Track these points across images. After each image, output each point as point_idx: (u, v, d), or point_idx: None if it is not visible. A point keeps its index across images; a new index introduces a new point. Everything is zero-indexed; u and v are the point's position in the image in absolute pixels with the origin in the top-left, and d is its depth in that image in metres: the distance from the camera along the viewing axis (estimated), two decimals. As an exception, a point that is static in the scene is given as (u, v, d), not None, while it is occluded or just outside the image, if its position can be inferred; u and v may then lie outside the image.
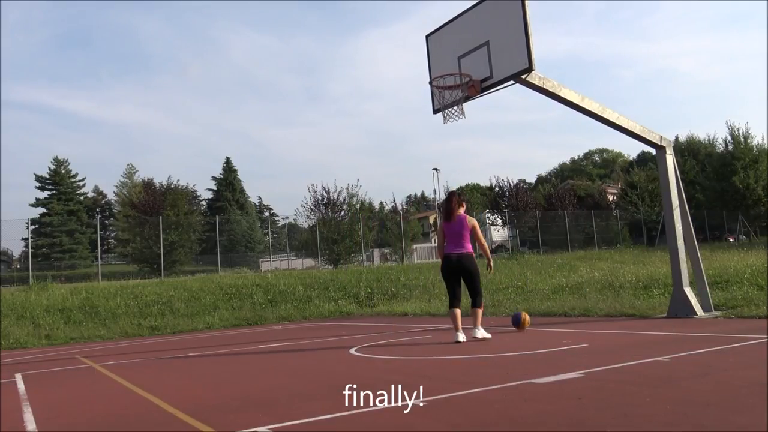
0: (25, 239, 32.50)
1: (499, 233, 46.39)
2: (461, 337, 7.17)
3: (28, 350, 12.10)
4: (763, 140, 42.76)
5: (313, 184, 32.92)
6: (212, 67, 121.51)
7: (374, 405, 3.94)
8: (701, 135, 60.36)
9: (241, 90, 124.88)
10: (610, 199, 52.74)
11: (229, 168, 67.38)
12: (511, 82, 7.85)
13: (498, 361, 5.65)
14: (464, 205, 7.58)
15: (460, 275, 7.37)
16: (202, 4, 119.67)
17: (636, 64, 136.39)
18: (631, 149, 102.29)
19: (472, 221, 7.43)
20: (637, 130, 8.75)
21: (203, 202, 58.97)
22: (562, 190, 47.93)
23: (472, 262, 7.41)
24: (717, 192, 40.64)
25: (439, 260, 7.60)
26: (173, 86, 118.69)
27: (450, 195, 7.59)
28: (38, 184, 58.59)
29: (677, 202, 8.94)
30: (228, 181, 66.41)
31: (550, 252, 33.99)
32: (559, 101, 8.12)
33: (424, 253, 42.67)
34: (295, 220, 38.97)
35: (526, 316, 8.31)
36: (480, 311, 7.43)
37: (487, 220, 41.79)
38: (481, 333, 7.29)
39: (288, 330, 12.17)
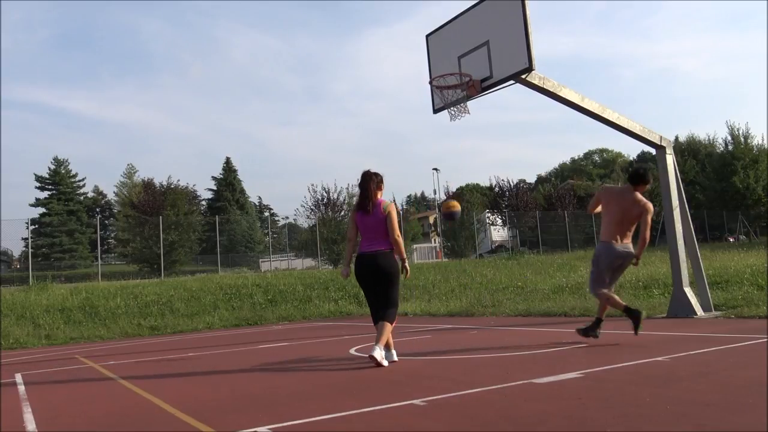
0: (25, 239, 32.53)
1: (499, 233, 46.41)
2: (376, 350, 5.59)
3: (28, 350, 12.10)
4: (763, 140, 42.97)
5: (313, 184, 32.93)
6: (213, 67, 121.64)
7: (374, 405, 3.95)
8: (701, 135, 60.44)
9: (242, 90, 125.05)
10: (610, 199, 52.63)
11: (229, 168, 67.35)
12: (511, 81, 7.85)
13: (498, 361, 5.65)
14: (382, 188, 6.02)
15: (374, 280, 5.82)
16: (204, 3, 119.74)
17: (637, 64, 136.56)
18: (631, 149, 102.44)
19: (389, 208, 5.86)
20: (637, 130, 8.75)
21: (203, 202, 58.89)
22: (562, 190, 47.89)
23: (389, 262, 5.78)
24: (717, 192, 40.67)
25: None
26: (174, 86, 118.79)
27: (366, 176, 5.93)
28: (38, 184, 58.60)
29: (677, 202, 8.94)
30: (228, 181, 66.36)
31: (550, 252, 33.99)
32: (559, 101, 8.12)
33: (424, 253, 42.68)
34: (295, 220, 38.95)
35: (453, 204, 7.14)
36: (388, 327, 5.70)
37: (487, 220, 41.78)
38: (379, 353, 5.58)
39: (288, 330, 12.17)
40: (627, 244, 6.26)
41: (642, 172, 6.41)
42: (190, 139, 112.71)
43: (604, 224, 6.33)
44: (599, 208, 6.50)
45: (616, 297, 6.27)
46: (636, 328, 6.02)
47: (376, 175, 5.97)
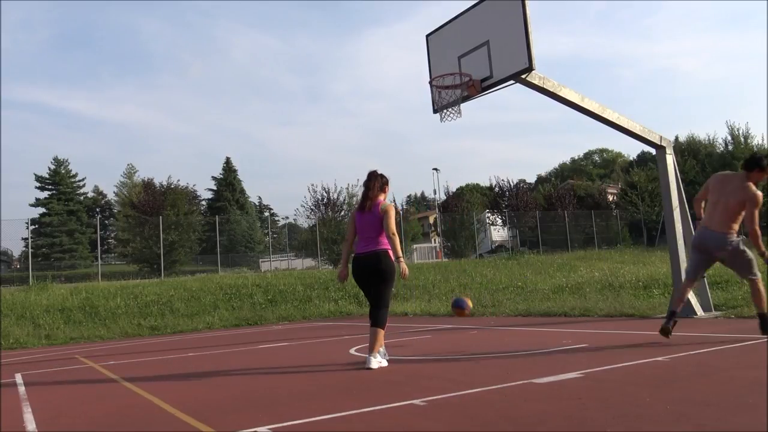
0: (25, 239, 32.53)
1: (499, 233, 46.39)
2: (372, 362, 5.62)
3: (28, 350, 12.10)
4: (763, 140, 42.83)
5: (313, 184, 32.95)
6: (213, 67, 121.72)
7: (374, 405, 3.95)
8: (701, 135, 60.33)
9: (242, 90, 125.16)
10: (610, 199, 52.71)
11: (229, 168, 67.35)
12: (512, 81, 7.85)
13: (498, 361, 5.65)
14: (387, 191, 5.96)
15: (371, 280, 5.75)
16: (204, 3, 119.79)
17: (637, 64, 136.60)
18: (631, 149, 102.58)
19: (386, 207, 5.72)
20: (637, 130, 8.75)
21: (203, 202, 58.88)
22: (562, 190, 47.88)
23: (384, 262, 5.65)
24: (717, 192, 40.57)
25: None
26: (174, 86, 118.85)
27: (371, 176, 5.88)
28: (38, 184, 58.59)
29: (677, 202, 8.94)
30: (228, 181, 66.37)
31: (550, 252, 33.98)
32: (559, 101, 8.12)
33: (424, 253, 42.68)
34: (295, 220, 38.95)
35: (470, 303, 7.05)
36: (380, 334, 5.68)
37: (487, 220, 41.78)
38: (375, 364, 5.61)
39: (288, 330, 12.17)
40: (725, 234, 5.64)
41: (758, 157, 5.79)
42: (190, 139, 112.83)
43: (706, 208, 5.91)
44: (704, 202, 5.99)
45: (684, 297, 5.94)
46: (662, 329, 5.79)
47: (382, 176, 5.90)
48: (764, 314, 5.77)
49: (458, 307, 6.86)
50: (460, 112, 8.30)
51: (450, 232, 36.78)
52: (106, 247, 42.57)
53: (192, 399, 4.81)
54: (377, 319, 5.66)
